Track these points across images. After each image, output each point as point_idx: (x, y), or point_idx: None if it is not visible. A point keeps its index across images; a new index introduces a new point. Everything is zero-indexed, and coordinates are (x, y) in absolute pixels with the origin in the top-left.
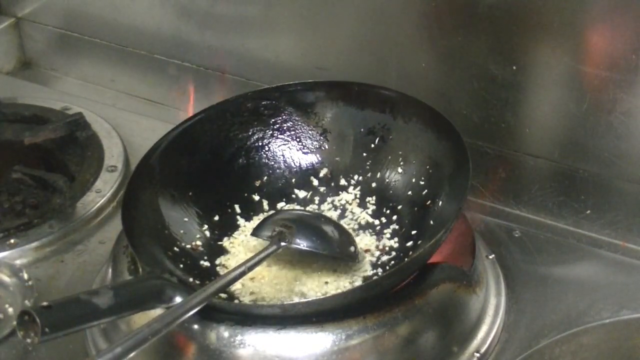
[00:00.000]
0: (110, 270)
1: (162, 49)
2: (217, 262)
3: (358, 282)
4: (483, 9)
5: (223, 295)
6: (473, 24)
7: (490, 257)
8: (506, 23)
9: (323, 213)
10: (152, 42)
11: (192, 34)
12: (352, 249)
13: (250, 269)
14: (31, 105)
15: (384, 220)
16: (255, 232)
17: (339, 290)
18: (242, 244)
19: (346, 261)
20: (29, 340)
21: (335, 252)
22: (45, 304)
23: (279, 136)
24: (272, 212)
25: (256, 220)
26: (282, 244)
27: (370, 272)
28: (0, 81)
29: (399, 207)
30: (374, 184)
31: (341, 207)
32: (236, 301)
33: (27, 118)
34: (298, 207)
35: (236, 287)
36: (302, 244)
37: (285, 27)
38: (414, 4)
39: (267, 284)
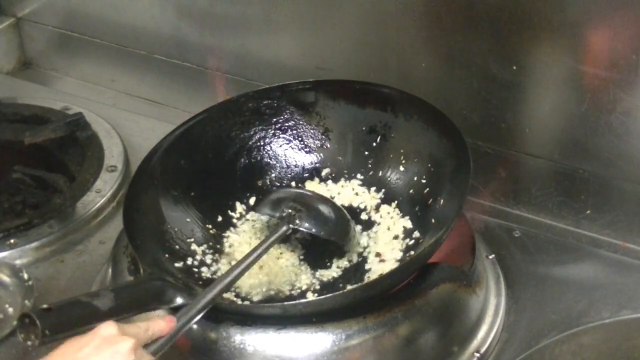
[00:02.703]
0: (110, 270)
1: (162, 49)
2: (219, 262)
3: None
4: (483, 9)
5: (225, 295)
6: (473, 24)
7: (490, 257)
8: (506, 23)
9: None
10: (152, 42)
11: (192, 34)
12: (351, 233)
13: (265, 250)
14: (31, 105)
15: None
16: (260, 209)
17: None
18: (244, 243)
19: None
20: (29, 343)
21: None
22: (45, 306)
23: (281, 135)
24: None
25: None
26: (291, 226)
27: None
28: (0, 81)
29: (401, 205)
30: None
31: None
32: (238, 301)
33: (27, 118)
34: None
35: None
36: (312, 229)
37: (286, 27)
38: (414, 4)
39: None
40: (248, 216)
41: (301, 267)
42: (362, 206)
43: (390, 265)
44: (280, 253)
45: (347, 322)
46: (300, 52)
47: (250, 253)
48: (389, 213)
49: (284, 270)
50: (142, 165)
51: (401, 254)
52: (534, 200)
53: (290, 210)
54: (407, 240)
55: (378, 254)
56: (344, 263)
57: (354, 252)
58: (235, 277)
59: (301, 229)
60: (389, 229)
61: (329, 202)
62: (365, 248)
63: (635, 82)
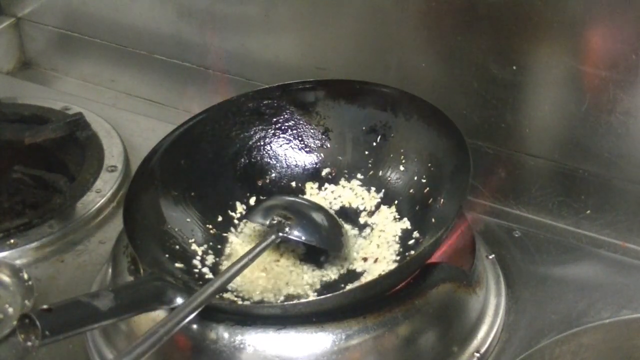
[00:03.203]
0: (110, 270)
1: (162, 49)
2: (220, 262)
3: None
4: (483, 9)
5: (226, 295)
6: (473, 24)
7: (490, 257)
8: (506, 23)
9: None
10: (152, 42)
11: (192, 34)
12: (341, 241)
13: (252, 260)
14: (31, 105)
15: None
16: (251, 217)
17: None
18: (244, 244)
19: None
20: (29, 344)
21: (328, 245)
22: (45, 307)
23: (281, 135)
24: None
25: None
26: (280, 234)
27: None
28: (0, 81)
29: (401, 205)
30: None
31: None
32: (240, 301)
33: (27, 118)
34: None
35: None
36: (301, 237)
37: (285, 27)
38: (414, 4)
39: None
40: None
41: (302, 267)
42: (361, 207)
43: (389, 265)
44: (281, 254)
45: (347, 322)
46: (300, 52)
47: (235, 263)
48: (388, 214)
49: (285, 270)
50: (142, 165)
51: (400, 254)
52: (534, 200)
53: (279, 219)
54: (407, 240)
55: (377, 255)
56: (344, 263)
57: (352, 254)
58: (216, 290)
59: (291, 237)
60: (388, 229)
61: (321, 209)
62: (364, 248)
63: (635, 82)
